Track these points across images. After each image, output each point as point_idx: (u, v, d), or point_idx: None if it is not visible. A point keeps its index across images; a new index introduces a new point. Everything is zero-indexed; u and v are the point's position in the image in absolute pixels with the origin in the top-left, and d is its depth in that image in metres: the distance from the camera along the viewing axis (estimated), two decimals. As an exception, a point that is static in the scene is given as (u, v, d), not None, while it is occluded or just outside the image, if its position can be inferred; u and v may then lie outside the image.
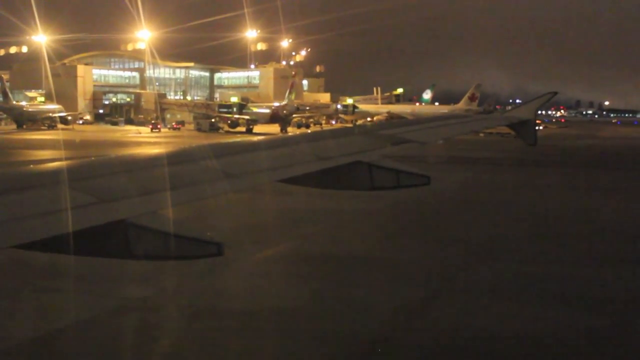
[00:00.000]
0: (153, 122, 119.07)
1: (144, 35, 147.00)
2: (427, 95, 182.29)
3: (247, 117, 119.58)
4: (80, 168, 5.26)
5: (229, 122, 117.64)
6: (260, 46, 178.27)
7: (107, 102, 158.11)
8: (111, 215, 4.42)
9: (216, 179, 5.35)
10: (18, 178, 4.86)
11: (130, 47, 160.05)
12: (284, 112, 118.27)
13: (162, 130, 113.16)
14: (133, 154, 7.23)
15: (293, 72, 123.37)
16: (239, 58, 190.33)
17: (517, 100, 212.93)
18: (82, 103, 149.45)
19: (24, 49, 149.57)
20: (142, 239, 4.50)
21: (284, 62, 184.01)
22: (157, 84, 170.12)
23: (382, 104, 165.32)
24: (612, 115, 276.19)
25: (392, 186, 6.64)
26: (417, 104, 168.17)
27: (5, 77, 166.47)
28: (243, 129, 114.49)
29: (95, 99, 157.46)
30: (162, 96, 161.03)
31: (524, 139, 10.36)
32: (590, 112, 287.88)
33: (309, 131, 46.29)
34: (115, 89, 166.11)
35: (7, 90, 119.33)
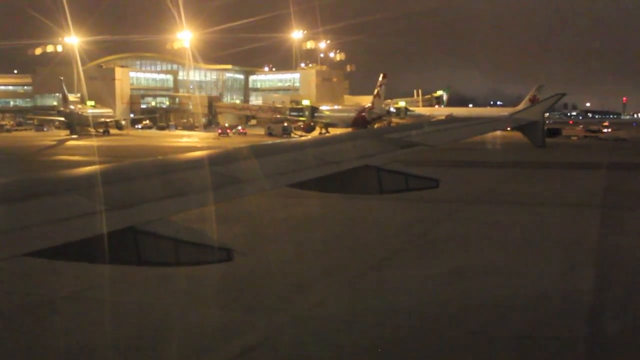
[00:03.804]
0: (221, 127, 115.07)
1: (181, 36, 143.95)
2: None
3: (324, 120, 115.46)
4: (94, 175, 5.32)
5: (302, 126, 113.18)
6: (297, 47, 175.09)
7: (144, 106, 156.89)
8: (121, 222, 4.52)
9: (221, 184, 5.45)
10: (31, 185, 4.97)
11: (173, 46, 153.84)
12: (371, 116, 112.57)
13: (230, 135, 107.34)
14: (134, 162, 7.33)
15: (382, 74, 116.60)
16: (268, 61, 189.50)
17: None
18: (119, 107, 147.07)
19: (53, 49, 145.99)
20: (151, 245, 4.62)
21: (309, 64, 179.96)
22: (190, 86, 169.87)
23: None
24: (597, 117, 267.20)
25: (400, 189, 6.71)
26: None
27: (28, 80, 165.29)
28: (316, 133, 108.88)
29: (133, 102, 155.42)
30: (216, 99, 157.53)
31: (532, 141, 10.38)
32: (574, 113, 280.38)
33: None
34: (148, 91, 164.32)
35: (67, 94, 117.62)
